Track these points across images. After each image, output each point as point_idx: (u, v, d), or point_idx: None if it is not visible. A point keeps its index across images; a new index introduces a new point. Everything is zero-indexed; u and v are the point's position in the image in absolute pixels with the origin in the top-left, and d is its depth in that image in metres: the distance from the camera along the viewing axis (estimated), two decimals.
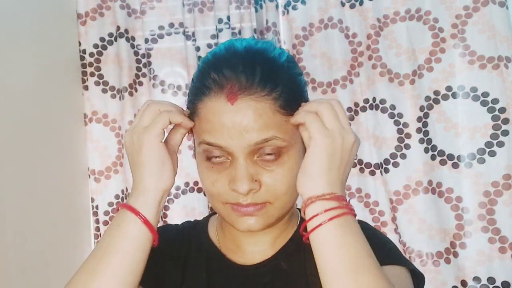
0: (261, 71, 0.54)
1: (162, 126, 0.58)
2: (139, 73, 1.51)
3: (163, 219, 1.51)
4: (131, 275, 0.53)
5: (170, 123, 0.59)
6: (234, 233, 0.66)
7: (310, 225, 0.51)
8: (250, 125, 0.53)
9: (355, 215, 0.53)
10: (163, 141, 0.58)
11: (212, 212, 0.75)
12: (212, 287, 0.64)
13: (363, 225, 0.56)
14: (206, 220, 0.73)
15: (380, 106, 1.39)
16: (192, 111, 0.60)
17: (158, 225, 0.66)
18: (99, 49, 1.50)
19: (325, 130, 0.52)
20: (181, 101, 1.51)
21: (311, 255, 0.56)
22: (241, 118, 0.53)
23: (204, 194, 1.50)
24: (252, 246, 0.65)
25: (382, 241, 0.66)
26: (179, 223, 0.75)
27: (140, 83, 1.51)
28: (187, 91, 1.52)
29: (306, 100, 0.59)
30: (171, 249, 0.67)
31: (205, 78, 0.56)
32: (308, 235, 0.52)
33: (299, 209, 0.71)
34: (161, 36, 1.52)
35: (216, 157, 0.56)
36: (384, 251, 0.61)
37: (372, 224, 1.42)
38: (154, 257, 0.59)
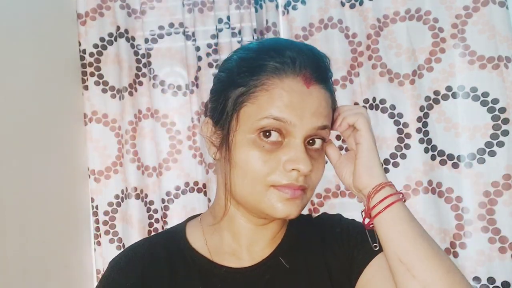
0: (324, 65, 0.60)
1: None
2: (139, 73, 1.51)
3: (163, 219, 1.51)
4: None
5: None
6: (240, 232, 0.65)
7: (380, 207, 0.58)
8: (319, 110, 0.58)
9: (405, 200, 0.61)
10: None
11: (187, 219, 0.72)
12: None
13: (343, 218, 0.71)
14: (181, 228, 0.70)
15: (380, 106, 1.39)
16: (254, 85, 0.58)
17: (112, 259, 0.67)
18: (99, 49, 1.50)
19: (371, 128, 0.62)
20: (181, 101, 1.51)
21: (313, 248, 0.63)
22: (313, 101, 0.57)
23: (205, 194, 1.50)
24: (256, 244, 0.66)
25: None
26: (136, 244, 0.69)
27: (140, 83, 1.51)
28: (187, 91, 1.53)
29: None
30: (142, 278, 0.64)
31: (278, 57, 0.58)
32: (373, 219, 0.58)
33: None
34: (161, 36, 1.52)
35: (270, 136, 0.58)
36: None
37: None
38: None
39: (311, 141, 0.59)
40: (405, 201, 0.60)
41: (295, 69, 0.58)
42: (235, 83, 0.60)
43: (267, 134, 0.57)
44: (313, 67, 0.59)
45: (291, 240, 0.67)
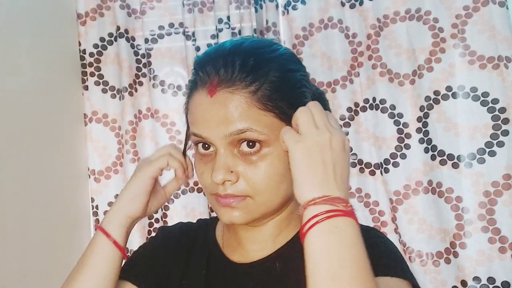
0: (240, 65, 0.55)
1: (159, 165, 0.66)
2: (139, 73, 1.51)
3: (163, 219, 1.51)
4: (103, 286, 0.62)
5: (168, 165, 0.66)
6: (236, 228, 0.67)
7: (301, 233, 0.52)
8: (226, 116, 0.55)
9: (352, 216, 0.52)
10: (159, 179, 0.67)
11: None
12: (210, 284, 0.66)
13: (370, 233, 0.56)
14: (217, 218, 0.74)
15: (380, 106, 1.39)
16: (186, 107, 0.64)
17: (169, 224, 0.70)
18: (99, 49, 1.50)
19: (296, 136, 0.54)
20: (181, 101, 1.51)
21: None
22: (218, 109, 0.55)
23: (204, 194, 1.50)
24: (252, 243, 0.66)
25: (384, 250, 0.63)
26: (194, 221, 0.78)
27: (140, 83, 1.51)
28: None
29: (300, 97, 0.59)
30: (172, 247, 0.72)
31: (193, 76, 0.60)
32: (303, 242, 0.51)
33: None
34: (161, 36, 1.52)
35: (204, 148, 0.60)
36: (383, 261, 0.59)
37: (372, 224, 1.42)
38: (151, 260, 0.69)
39: (251, 144, 0.56)
40: (352, 216, 0.52)
41: (202, 81, 0.58)
42: None
43: (205, 146, 0.60)
44: (220, 72, 0.56)
45: (297, 245, 0.63)
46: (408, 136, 1.37)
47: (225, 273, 0.66)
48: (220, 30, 1.49)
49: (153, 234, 1.51)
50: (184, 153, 0.68)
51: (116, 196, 1.49)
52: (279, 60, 0.59)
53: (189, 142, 0.64)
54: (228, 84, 0.55)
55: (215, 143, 0.57)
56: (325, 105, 0.67)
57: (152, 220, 1.51)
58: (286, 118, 0.57)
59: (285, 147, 0.55)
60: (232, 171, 0.56)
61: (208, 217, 0.79)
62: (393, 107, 1.39)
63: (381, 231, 1.40)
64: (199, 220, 0.79)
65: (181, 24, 1.50)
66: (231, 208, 0.58)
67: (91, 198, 1.50)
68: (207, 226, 0.74)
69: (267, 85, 0.56)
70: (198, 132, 0.58)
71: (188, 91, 0.63)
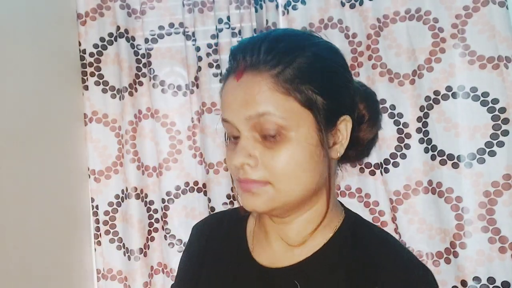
0: (265, 49, 0.55)
1: None
2: (139, 73, 1.51)
3: (163, 219, 1.51)
4: None
5: None
6: (265, 223, 0.66)
7: None
8: (246, 99, 0.55)
9: None
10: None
11: None
12: (236, 283, 0.66)
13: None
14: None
15: (380, 106, 1.39)
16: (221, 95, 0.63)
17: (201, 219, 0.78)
18: (99, 49, 1.50)
19: None
20: (181, 101, 1.51)
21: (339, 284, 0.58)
22: (242, 92, 0.55)
23: (205, 194, 1.50)
24: (279, 242, 0.64)
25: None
26: (215, 213, 0.80)
27: (140, 83, 1.51)
28: (187, 91, 1.53)
29: (330, 84, 0.57)
30: (204, 241, 0.74)
31: (228, 64, 0.61)
32: None
33: (344, 206, 0.67)
34: (161, 36, 1.52)
35: (233, 135, 0.59)
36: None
37: None
38: (191, 259, 0.73)
39: (269, 131, 0.55)
40: None
41: (232, 67, 0.59)
42: None
43: (235, 137, 0.59)
44: (246, 56, 0.56)
45: (323, 258, 0.61)
46: (408, 136, 1.37)
47: (251, 276, 0.64)
48: (220, 30, 1.49)
49: (153, 234, 1.52)
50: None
51: (116, 196, 1.51)
52: (312, 48, 0.57)
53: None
54: (253, 68, 0.55)
55: (238, 126, 0.56)
56: (373, 108, 0.65)
57: (152, 220, 1.51)
58: (310, 103, 0.55)
59: (308, 136, 0.55)
60: (251, 155, 0.56)
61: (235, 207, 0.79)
62: (393, 107, 1.39)
63: None
64: (231, 210, 0.78)
65: (181, 24, 1.50)
66: (252, 195, 0.57)
67: (91, 198, 1.50)
68: (237, 218, 0.73)
69: (290, 69, 0.55)
70: (224, 116, 0.58)
71: (222, 82, 0.63)
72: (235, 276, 0.66)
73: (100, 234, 1.50)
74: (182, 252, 0.79)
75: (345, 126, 0.59)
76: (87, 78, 1.50)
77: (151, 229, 1.51)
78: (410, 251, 0.64)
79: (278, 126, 0.54)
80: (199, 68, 1.49)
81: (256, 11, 1.49)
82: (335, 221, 0.63)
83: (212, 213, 0.82)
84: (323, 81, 0.56)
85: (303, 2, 1.46)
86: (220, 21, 1.49)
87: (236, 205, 1.48)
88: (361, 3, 1.40)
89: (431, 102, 1.35)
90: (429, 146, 1.36)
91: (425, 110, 1.36)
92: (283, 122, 0.54)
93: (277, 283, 0.61)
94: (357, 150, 0.66)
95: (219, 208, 1.48)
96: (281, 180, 0.56)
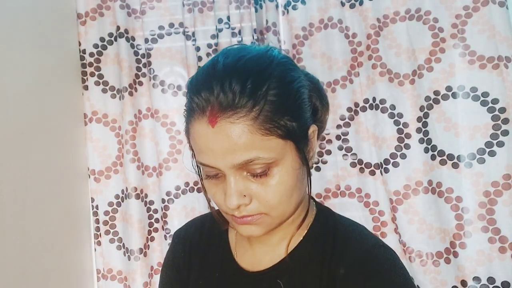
0: (239, 90, 0.53)
1: None
2: (139, 73, 1.51)
3: (163, 219, 1.51)
4: None
5: None
6: None
7: None
8: (231, 147, 0.54)
9: None
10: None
11: None
12: None
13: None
14: None
15: (380, 106, 1.39)
16: (186, 130, 0.62)
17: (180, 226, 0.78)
18: (99, 49, 1.50)
19: None
20: (181, 101, 1.51)
21: (313, 275, 0.61)
22: (222, 140, 0.54)
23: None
24: (261, 246, 0.68)
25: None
26: (195, 218, 0.81)
27: (140, 83, 1.51)
28: (187, 91, 1.52)
29: (300, 107, 0.58)
30: (189, 246, 0.75)
31: (190, 101, 0.58)
32: None
33: (315, 200, 0.71)
34: (161, 36, 1.52)
35: (213, 173, 0.59)
36: None
37: (372, 224, 1.42)
38: (177, 265, 0.73)
39: (256, 168, 0.56)
40: None
41: (200, 108, 0.56)
42: None
43: (208, 173, 0.60)
44: (218, 98, 0.54)
45: (300, 254, 0.65)
46: (408, 136, 1.37)
47: (234, 280, 0.68)
48: (220, 30, 1.49)
49: (153, 234, 1.52)
50: (201, 180, 0.65)
51: (116, 196, 1.51)
52: (276, 73, 0.57)
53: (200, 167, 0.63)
54: (229, 113, 0.53)
55: (224, 171, 0.57)
56: (321, 95, 0.67)
57: (152, 220, 1.51)
58: (289, 133, 0.56)
59: (293, 163, 0.57)
60: (245, 195, 0.57)
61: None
62: (393, 107, 1.39)
63: (381, 231, 1.40)
64: (211, 214, 0.77)
65: (181, 24, 1.50)
66: (250, 225, 0.60)
67: (91, 198, 1.50)
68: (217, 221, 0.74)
69: (267, 106, 0.54)
70: (205, 162, 0.57)
71: (186, 116, 0.61)
72: (221, 282, 0.68)
73: (100, 234, 1.50)
74: (162, 266, 0.79)
75: (313, 134, 0.62)
76: (87, 78, 1.50)
77: (151, 229, 1.51)
78: (378, 238, 0.67)
79: (266, 165, 0.56)
80: (199, 68, 1.48)
81: (256, 11, 1.49)
82: (309, 218, 0.68)
83: (190, 219, 0.82)
84: (294, 105, 0.57)
85: (303, 2, 1.46)
86: (220, 21, 1.49)
87: None
88: (361, 3, 1.40)
89: (431, 102, 1.35)
90: (429, 146, 1.36)
91: (425, 110, 1.36)
92: (270, 161, 0.55)
93: (262, 285, 0.65)
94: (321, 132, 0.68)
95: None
96: (275, 208, 0.58)
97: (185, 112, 0.61)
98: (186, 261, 0.74)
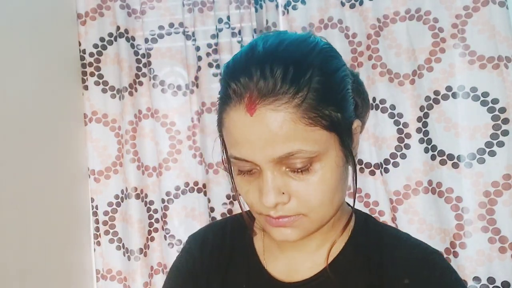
0: (281, 76, 0.48)
1: None
2: (139, 73, 1.51)
3: (163, 219, 1.51)
4: None
5: None
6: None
7: None
8: (272, 138, 0.49)
9: None
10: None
11: None
12: None
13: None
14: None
15: (380, 106, 1.39)
16: (219, 121, 0.56)
17: (198, 228, 0.72)
18: (99, 49, 1.50)
19: None
20: (181, 100, 1.51)
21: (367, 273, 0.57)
22: (261, 130, 0.49)
23: (205, 194, 1.50)
24: (296, 252, 0.62)
25: None
26: (214, 222, 0.75)
27: (140, 83, 1.51)
28: (187, 91, 1.53)
29: (345, 97, 0.54)
30: (208, 254, 0.68)
31: (225, 88, 0.53)
32: None
33: (353, 208, 0.64)
34: (161, 36, 1.52)
35: (247, 169, 0.54)
36: None
37: None
38: (193, 270, 0.67)
39: (297, 163, 0.51)
40: None
41: (237, 94, 0.50)
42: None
43: (241, 168, 0.54)
44: (258, 84, 0.49)
45: (343, 263, 0.59)
46: (408, 136, 1.37)
47: None
48: (220, 30, 1.49)
49: (153, 234, 1.51)
50: (232, 178, 0.59)
51: (116, 196, 1.50)
52: (320, 60, 0.52)
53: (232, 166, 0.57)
54: (270, 99, 0.48)
55: (261, 166, 0.51)
56: (362, 90, 0.63)
57: (152, 220, 1.51)
58: (334, 125, 0.51)
59: (337, 158, 0.52)
60: (283, 193, 0.52)
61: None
62: (393, 107, 1.39)
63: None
64: (231, 219, 0.72)
65: (181, 24, 1.50)
66: (285, 227, 0.54)
67: (91, 198, 1.50)
68: (244, 227, 0.67)
69: (311, 94, 0.49)
70: (240, 156, 0.52)
71: (220, 105, 0.55)
72: None
73: (99, 234, 1.50)
74: (171, 267, 0.71)
75: (357, 130, 0.57)
76: (87, 78, 1.50)
77: (151, 229, 1.51)
78: (425, 243, 0.60)
79: (308, 159, 0.50)
80: (199, 68, 1.49)
81: (256, 11, 1.49)
82: (351, 223, 0.62)
83: (206, 225, 0.75)
84: (339, 96, 0.53)
85: (303, 2, 1.46)
86: (220, 21, 1.49)
87: (236, 205, 1.48)
88: (361, 3, 1.40)
89: (431, 102, 1.35)
90: (429, 146, 1.36)
91: (425, 110, 1.36)
92: (313, 154, 0.50)
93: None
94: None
95: (219, 208, 1.48)
96: (315, 210, 0.53)
97: (219, 101, 0.55)
98: (205, 267, 0.67)
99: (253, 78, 0.49)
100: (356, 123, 0.56)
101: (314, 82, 0.50)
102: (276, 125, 0.48)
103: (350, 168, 0.57)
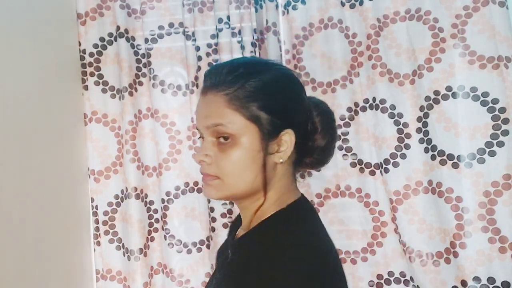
0: (225, 72, 0.69)
1: None
2: (139, 73, 1.51)
3: (163, 219, 1.51)
4: None
5: None
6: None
7: None
8: (208, 112, 0.70)
9: None
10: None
11: None
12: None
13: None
14: None
15: (380, 106, 1.39)
16: None
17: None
18: (99, 49, 1.50)
19: None
20: (181, 100, 1.51)
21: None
22: (204, 107, 0.71)
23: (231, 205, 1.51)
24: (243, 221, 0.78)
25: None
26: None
27: (140, 83, 1.51)
28: (187, 91, 1.53)
29: (278, 105, 0.69)
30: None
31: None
32: None
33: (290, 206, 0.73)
34: (161, 36, 1.52)
35: (199, 135, 0.73)
36: None
37: (372, 224, 1.41)
38: None
39: (226, 137, 0.69)
40: None
41: (203, 83, 0.73)
42: None
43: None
44: (209, 77, 0.71)
45: (245, 239, 0.73)
46: (408, 136, 1.37)
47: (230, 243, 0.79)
48: (220, 30, 1.49)
49: (153, 234, 1.51)
50: None
51: (116, 196, 1.50)
52: (270, 77, 0.70)
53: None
54: (214, 88, 0.70)
55: (202, 132, 0.71)
56: (327, 123, 0.76)
57: (152, 220, 1.51)
58: (253, 118, 0.68)
59: (252, 145, 0.68)
60: (207, 155, 0.70)
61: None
62: (393, 107, 1.39)
63: (381, 231, 1.40)
64: None
65: (181, 24, 1.50)
66: (208, 185, 0.71)
67: (91, 198, 1.50)
68: None
69: (241, 90, 0.68)
70: (196, 124, 0.73)
71: None
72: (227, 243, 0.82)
73: (99, 234, 1.50)
74: None
75: (288, 137, 0.70)
76: (87, 78, 1.50)
77: (151, 229, 1.51)
78: (288, 256, 0.64)
79: (228, 134, 0.68)
80: (199, 68, 1.49)
81: (256, 11, 1.49)
82: (266, 212, 0.72)
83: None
84: (268, 101, 0.69)
85: (303, 2, 1.46)
86: (220, 21, 1.49)
87: (236, 205, 1.47)
88: (361, 3, 1.40)
89: (431, 102, 1.35)
90: (429, 146, 1.36)
91: (425, 110, 1.36)
92: (231, 132, 0.68)
93: (228, 250, 0.75)
94: (312, 158, 0.76)
95: (219, 208, 1.48)
96: (228, 176, 0.69)
97: None
98: None
99: (212, 75, 0.71)
100: (288, 134, 0.70)
101: (249, 85, 0.68)
102: (212, 104, 0.69)
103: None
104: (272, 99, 0.70)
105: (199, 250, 1.50)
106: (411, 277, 1.39)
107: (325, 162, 0.78)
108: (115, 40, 1.49)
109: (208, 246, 1.50)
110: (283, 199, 0.72)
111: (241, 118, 0.68)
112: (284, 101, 0.71)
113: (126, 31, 1.49)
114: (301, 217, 0.72)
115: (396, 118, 1.38)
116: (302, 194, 0.76)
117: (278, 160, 0.70)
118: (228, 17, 1.48)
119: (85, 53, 1.50)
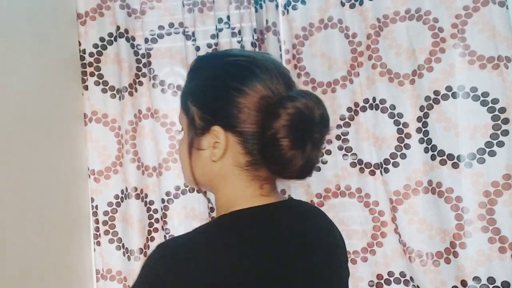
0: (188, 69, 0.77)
1: None
2: (139, 73, 1.51)
3: (163, 219, 1.51)
4: None
5: None
6: None
7: None
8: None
9: None
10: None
11: None
12: None
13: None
14: None
15: (380, 106, 1.39)
16: None
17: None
18: (99, 49, 1.50)
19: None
20: None
21: None
22: None
23: (204, 194, 1.50)
24: None
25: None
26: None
27: (140, 83, 1.51)
28: None
29: (207, 100, 0.69)
30: None
31: None
32: None
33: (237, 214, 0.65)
34: (161, 36, 1.52)
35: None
36: None
37: (372, 224, 1.42)
38: None
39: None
40: None
41: None
42: None
43: None
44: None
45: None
46: (408, 136, 1.37)
47: None
48: (220, 30, 1.49)
49: (153, 234, 1.51)
50: None
51: (116, 196, 1.50)
52: (207, 70, 0.71)
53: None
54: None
55: None
56: (300, 134, 0.62)
57: (152, 220, 1.51)
58: (187, 112, 0.71)
59: (186, 136, 0.73)
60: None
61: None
62: (393, 107, 1.39)
63: (381, 231, 1.40)
64: None
65: (181, 24, 1.50)
66: None
67: (91, 198, 1.50)
68: None
69: (188, 85, 0.73)
70: None
71: None
72: None
73: (99, 234, 1.50)
74: None
75: (217, 133, 0.66)
76: (87, 78, 1.50)
77: (151, 229, 1.51)
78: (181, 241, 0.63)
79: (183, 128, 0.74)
80: None
81: (256, 11, 1.49)
82: (219, 210, 0.69)
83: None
84: (200, 96, 0.70)
85: (303, 2, 1.46)
86: (220, 21, 1.49)
87: None
88: (361, 3, 1.40)
89: (431, 102, 1.35)
90: (429, 146, 1.36)
91: (425, 110, 1.36)
92: (180, 124, 0.75)
93: None
94: (279, 166, 0.63)
95: None
96: (181, 166, 0.75)
97: None
98: None
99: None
100: (216, 128, 0.66)
101: (194, 79, 0.73)
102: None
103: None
104: (205, 95, 0.70)
105: None
106: (411, 277, 1.39)
107: (299, 177, 0.64)
108: (115, 40, 1.49)
109: None
110: (230, 204, 0.66)
111: (182, 111, 0.73)
112: (215, 96, 0.67)
113: (126, 31, 1.49)
114: (229, 228, 0.63)
115: (396, 118, 1.38)
116: (264, 205, 0.64)
117: (211, 157, 0.67)
118: (228, 17, 1.48)
119: (85, 53, 1.50)
